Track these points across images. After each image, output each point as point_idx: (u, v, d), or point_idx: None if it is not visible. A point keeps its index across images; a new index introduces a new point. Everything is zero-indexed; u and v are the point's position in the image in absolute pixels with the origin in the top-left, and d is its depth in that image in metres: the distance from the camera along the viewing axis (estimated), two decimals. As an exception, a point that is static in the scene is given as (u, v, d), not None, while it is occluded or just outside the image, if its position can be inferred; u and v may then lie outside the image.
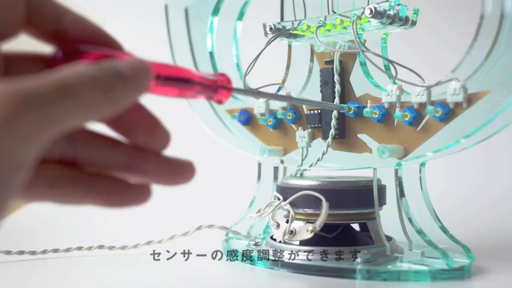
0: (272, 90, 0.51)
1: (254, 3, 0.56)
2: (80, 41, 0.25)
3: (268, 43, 0.49)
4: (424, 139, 0.42)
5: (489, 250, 0.50)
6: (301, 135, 0.49)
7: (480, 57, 0.39)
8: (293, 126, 0.51)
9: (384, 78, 0.44)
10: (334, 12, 0.46)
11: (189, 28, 0.58)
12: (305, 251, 0.44)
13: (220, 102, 0.29)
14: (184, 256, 0.47)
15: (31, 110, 0.20)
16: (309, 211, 0.45)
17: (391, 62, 0.42)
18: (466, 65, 0.40)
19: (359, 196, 0.45)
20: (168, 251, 0.48)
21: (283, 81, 0.52)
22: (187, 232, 0.51)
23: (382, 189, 0.46)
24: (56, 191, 0.25)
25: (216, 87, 0.28)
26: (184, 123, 0.69)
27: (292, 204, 0.45)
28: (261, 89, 0.46)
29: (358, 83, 0.46)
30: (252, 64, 0.49)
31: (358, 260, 0.42)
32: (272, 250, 0.46)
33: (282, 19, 0.50)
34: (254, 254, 0.47)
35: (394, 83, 0.43)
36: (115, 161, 0.26)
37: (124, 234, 0.62)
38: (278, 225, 0.46)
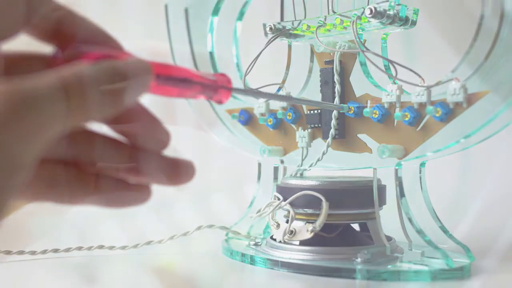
0: (272, 90, 0.51)
1: (254, 3, 0.56)
2: (80, 41, 0.25)
3: (268, 43, 0.49)
4: (424, 139, 0.42)
5: (489, 250, 0.50)
6: (301, 135, 0.49)
7: (480, 57, 0.39)
8: (293, 126, 0.51)
9: (384, 78, 0.44)
10: (334, 12, 0.46)
11: (189, 28, 0.58)
12: (305, 251, 0.44)
13: (220, 102, 0.29)
14: (184, 256, 0.47)
15: (31, 110, 0.20)
16: (309, 211, 0.45)
17: (391, 62, 0.42)
18: (466, 65, 0.40)
19: (359, 196, 0.45)
20: (168, 251, 0.48)
21: (283, 81, 0.52)
22: (187, 232, 0.51)
23: (382, 189, 0.46)
24: (56, 191, 0.25)
25: (216, 87, 0.28)
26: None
27: (292, 204, 0.45)
28: (261, 89, 0.46)
29: (358, 83, 0.46)
30: (252, 64, 0.49)
31: (358, 260, 0.42)
32: (272, 250, 0.46)
33: (282, 19, 0.50)
34: (254, 254, 0.47)
35: (394, 83, 0.43)
36: (115, 161, 0.26)
37: (124, 234, 0.62)
38: (278, 225, 0.46)
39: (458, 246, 0.43)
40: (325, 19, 0.45)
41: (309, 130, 0.49)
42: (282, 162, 0.52)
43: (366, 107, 0.45)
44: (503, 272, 0.44)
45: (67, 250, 0.51)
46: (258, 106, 0.53)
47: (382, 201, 0.45)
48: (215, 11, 0.56)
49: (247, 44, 0.57)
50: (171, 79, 0.26)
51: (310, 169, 0.49)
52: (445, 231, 0.44)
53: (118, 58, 0.24)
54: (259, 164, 0.54)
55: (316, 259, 0.43)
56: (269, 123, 0.52)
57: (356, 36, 0.42)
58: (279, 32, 0.48)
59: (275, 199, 0.47)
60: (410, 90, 0.42)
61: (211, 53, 0.57)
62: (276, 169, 0.53)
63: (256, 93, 0.38)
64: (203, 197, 0.77)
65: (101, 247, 0.51)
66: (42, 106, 0.20)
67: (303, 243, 0.45)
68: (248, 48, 0.55)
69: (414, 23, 0.43)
